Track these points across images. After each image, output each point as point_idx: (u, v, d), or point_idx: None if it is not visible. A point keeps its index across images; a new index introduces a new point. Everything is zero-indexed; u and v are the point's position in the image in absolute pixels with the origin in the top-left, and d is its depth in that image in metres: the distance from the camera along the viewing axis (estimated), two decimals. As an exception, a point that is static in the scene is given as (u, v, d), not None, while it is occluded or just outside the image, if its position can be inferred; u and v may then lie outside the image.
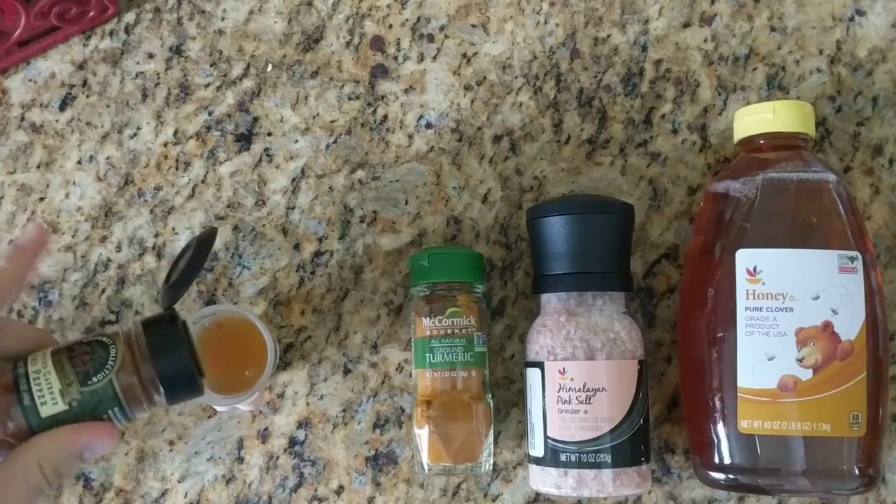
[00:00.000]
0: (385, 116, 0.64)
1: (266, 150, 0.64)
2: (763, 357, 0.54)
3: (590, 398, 0.54)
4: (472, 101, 0.64)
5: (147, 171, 0.64)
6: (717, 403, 0.55)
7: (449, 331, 0.57)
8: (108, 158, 0.64)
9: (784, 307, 0.54)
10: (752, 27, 0.63)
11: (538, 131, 0.63)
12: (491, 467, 0.58)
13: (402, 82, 0.64)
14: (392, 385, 0.62)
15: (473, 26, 0.64)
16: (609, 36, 0.64)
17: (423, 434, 0.57)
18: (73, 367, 0.43)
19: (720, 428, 0.55)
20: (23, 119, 0.64)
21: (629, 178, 0.63)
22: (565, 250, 0.56)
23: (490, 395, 0.59)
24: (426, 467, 0.57)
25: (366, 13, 0.65)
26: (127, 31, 0.65)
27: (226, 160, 0.64)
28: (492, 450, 0.58)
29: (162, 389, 0.44)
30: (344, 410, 0.62)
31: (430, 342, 0.57)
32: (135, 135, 0.64)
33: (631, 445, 0.55)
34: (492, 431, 0.58)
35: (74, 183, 0.64)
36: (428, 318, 0.57)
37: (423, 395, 0.57)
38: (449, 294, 0.58)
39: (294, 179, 0.63)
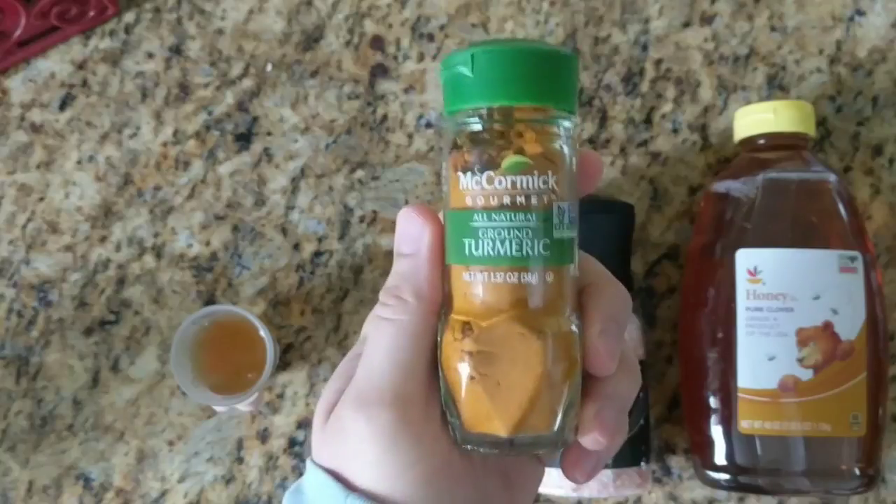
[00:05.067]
0: (385, 116, 0.64)
1: (266, 149, 0.64)
2: (763, 357, 0.54)
3: (590, 398, 0.54)
4: (472, 101, 0.63)
5: (147, 171, 0.64)
6: (718, 403, 0.55)
7: (510, 198, 0.33)
8: (107, 158, 0.64)
9: (784, 307, 0.54)
10: (752, 27, 0.63)
11: (538, 131, 0.63)
12: (570, 438, 0.34)
13: (401, 82, 0.64)
14: (392, 385, 0.62)
15: (473, 26, 0.64)
16: (609, 36, 0.64)
17: (458, 380, 0.33)
18: None
19: (720, 428, 0.55)
20: (23, 119, 0.64)
21: (629, 178, 0.63)
22: (565, 250, 0.56)
23: (577, 317, 0.34)
24: (461, 438, 0.34)
25: (366, 13, 0.64)
26: (127, 30, 0.65)
27: (225, 160, 0.64)
28: (573, 410, 0.34)
29: None
30: (344, 410, 0.61)
31: (474, 217, 0.33)
32: (134, 135, 0.64)
33: (631, 445, 0.55)
34: (578, 375, 0.34)
35: (74, 183, 0.64)
36: (472, 175, 0.33)
37: (461, 311, 0.34)
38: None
39: (294, 179, 0.63)
